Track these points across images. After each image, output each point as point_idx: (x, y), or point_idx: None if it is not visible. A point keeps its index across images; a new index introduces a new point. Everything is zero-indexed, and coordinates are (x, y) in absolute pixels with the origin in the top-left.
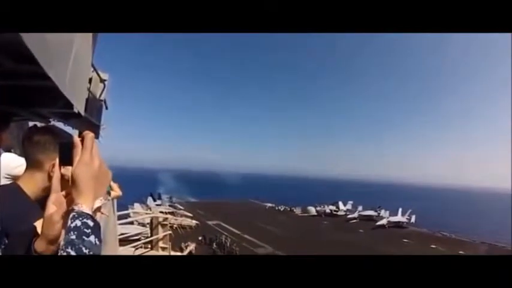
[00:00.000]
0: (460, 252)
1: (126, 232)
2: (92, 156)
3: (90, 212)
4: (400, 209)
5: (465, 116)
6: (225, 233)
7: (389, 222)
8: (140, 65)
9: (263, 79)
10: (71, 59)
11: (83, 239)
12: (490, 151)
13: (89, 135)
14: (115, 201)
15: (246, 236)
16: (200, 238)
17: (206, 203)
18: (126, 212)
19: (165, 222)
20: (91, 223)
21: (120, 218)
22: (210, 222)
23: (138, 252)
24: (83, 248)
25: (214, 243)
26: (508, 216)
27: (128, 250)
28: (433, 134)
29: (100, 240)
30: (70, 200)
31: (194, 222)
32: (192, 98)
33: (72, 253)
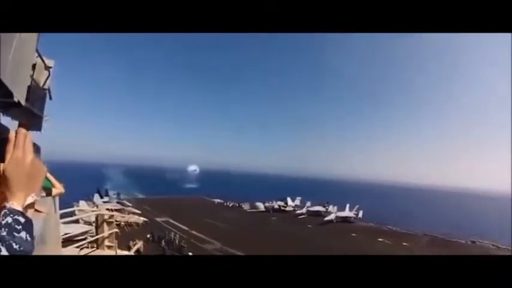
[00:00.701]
0: (404, 244)
1: (71, 232)
2: (24, 153)
3: (21, 209)
4: (347, 205)
5: (414, 114)
6: (174, 230)
7: (337, 217)
8: (94, 54)
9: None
10: (13, 43)
11: (14, 235)
12: (438, 149)
13: (22, 131)
14: (57, 198)
15: (194, 232)
16: (148, 236)
17: (155, 199)
18: (70, 209)
19: (110, 220)
20: (22, 219)
21: (63, 216)
22: (158, 219)
23: (83, 252)
24: (14, 244)
25: (163, 241)
26: (450, 210)
27: (71, 250)
28: (383, 133)
29: (32, 237)
30: (3, 198)
31: (142, 219)
32: (147, 92)
33: (3, 249)
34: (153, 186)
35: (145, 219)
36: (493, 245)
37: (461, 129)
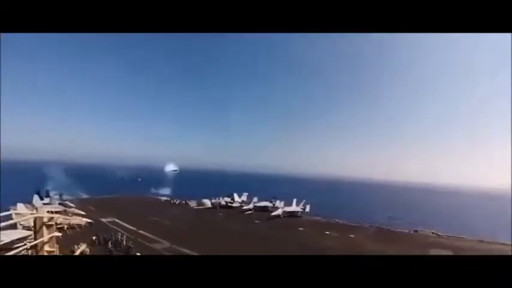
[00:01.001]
0: (351, 235)
1: (8, 239)
2: None
3: None
4: (294, 200)
5: (362, 112)
6: (121, 230)
7: (284, 212)
8: (38, 50)
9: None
10: None
11: None
12: (384, 146)
13: None
14: None
15: (141, 231)
16: (94, 238)
17: (100, 199)
18: (6, 213)
19: (50, 223)
20: None
21: None
22: (104, 220)
23: None
24: None
25: (109, 242)
26: (395, 202)
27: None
28: (330, 129)
29: None
30: None
31: (85, 220)
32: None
33: None
34: (98, 185)
35: (89, 220)
36: (432, 232)
37: (407, 127)
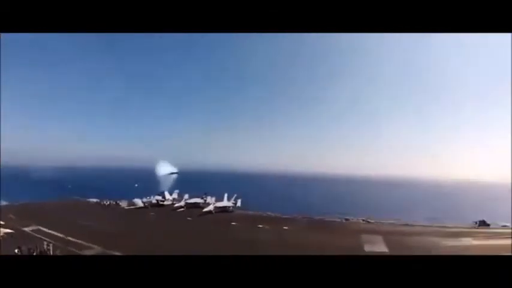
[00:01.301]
0: (285, 227)
1: None
2: None
3: None
4: (225, 194)
5: (284, 111)
6: (47, 239)
7: (216, 207)
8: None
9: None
10: None
11: None
12: (312, 139)
13: None
14: None
15: (70, 238)
16: (16, 250)
17: (21, 205)
18: None
19: None
20: None
21: None
22: (26, 229)
23: None
24: None
25: (34, 253)
26: (326, 193)
27: None
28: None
29: None
30: None
31: (3, 231)
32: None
33: None
34: (18, 190)
35: (9, 230)
36: (363, 220)
37: (332, 121)
